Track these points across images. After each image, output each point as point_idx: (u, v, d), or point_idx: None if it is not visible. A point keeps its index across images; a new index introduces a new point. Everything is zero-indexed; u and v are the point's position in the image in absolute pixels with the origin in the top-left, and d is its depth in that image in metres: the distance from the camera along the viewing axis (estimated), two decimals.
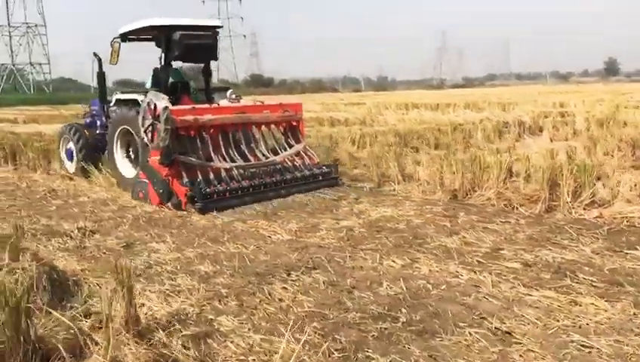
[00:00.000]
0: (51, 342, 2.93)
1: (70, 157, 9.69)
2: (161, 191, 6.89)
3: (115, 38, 8.76)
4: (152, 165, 7.04)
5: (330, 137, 10.51)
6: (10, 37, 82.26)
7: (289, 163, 7.75)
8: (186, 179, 6.81)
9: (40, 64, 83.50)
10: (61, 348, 2.87)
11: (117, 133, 8.33)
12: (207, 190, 6.69)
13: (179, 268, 4.48)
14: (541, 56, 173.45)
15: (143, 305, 3.68)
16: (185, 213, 6.47)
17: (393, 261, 4.43)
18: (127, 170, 8.30)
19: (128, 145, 8.35)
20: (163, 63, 8.44)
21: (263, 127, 8.07)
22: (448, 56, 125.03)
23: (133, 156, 8.30)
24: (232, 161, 7.30)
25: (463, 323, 3.27)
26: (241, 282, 4.11)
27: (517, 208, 5.99)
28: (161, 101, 6.87)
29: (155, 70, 8.67)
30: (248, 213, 6.40)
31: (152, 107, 6.89)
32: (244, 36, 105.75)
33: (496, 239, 4.91)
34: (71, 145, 9.57)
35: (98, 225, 6.02)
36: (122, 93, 8.73)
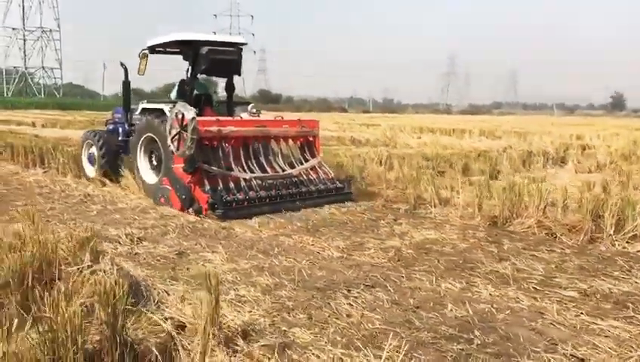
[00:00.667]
0: (144, 344, 2.99)
1: (92, 163, 9.98)
2: (183, 197, 7.21)
3: (143, 50, 9.05)
4: (175, 172, 7.39)
5: (358, 156, 10.61)
6: (25, 41, 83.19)
7: (304, 176, 8.08)
8: (207, 187, 7.11)
9: (52, 69, 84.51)
10: (155, 351, 2.94)
11: (141, 141, 8.62)
12: (228, 198, 6.98)
13: (238, 278, 4.53)
14: (547, 87, 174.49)
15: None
16: (228, 224, 6.54)
17: (450, 283, 4.49)
18: (149, 176, 8.60)
19: (152, 152, 8.64)
20: (189, 76, 8.81)
21: (281, 140, 8.37)
22: (455, 81, 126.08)
23: (155, 163, 8.57)
24: (251, 171, 7.66)
25: (536, 348, 3.32)
26: (304, 296, 4.17)
27: (558, 237, 6.06)
28: (189, 112, 7.15)
29: (181, 82, 9.04)
30: (291, 228, 6.48)
31: (180, 117, 7.15)
32: (255, 52, 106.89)
33: (546, 267, 4.97)
34: (93, 150, 9.87)
35: (144, 232, 6.08)
36: (149, 102, 9.04)
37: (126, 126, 9.71)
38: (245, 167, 7.66)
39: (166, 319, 3.54)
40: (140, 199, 8.01)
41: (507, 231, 6.34)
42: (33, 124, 23.66)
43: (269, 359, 3.13)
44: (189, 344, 3.10)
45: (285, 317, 3.77)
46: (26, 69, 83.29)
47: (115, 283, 2.86)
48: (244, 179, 7.43)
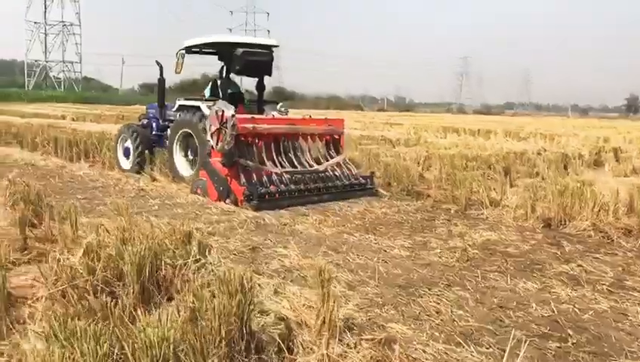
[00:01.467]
0: (266, 334, 3.14)
1: (127, 156, 10.50)
2: (221, 188, 7.70)
3: (180, 50, 9.62)
4: (213, 165, 7.85)
5: (398, 156, 10.72)
6: (46, 35, 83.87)
7: (330, 172, 8.54)
8: (243, 180, 7.62)
9: (72, 62, 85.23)
10: (278, 340, 3.08)
11: (178, 135, 9.20)
12: (262, 190, 7.51)
13: None
14: (560, 88, 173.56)
15: (311, 307, 3.87)
16: (288, 221, 6.67)
17: (525, 284, 4.60)
18: (185, 168, 9.20)
19: (187, 146, 9.22)
20: (224, 76, 9.53)
21: (309, 138, 8.85)
22: (468, 81, 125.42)
23: (191, 157, 9.15)
24: (282, 166, 8.17)
25: (631, 348, 3.43)
26: (389, 293, 4.29)
27: (615, 240, 6.14)
28: (229, 110, 7.62)
29: (214, 81, 9.73)
30: (350, 225, 6.61)
31: (220, 114, 7.61)
32: None
33: (614, 269, 5.06)
34: (128, 144, 10.43)
35: (212, 227, 6.22)
36: (186, 99, 9.50)
37: (160, 121, 10.29)
38: (276, 162, 8.16)
39: (266, 312, 3.68)
40: (196, 195, 8.14)
41: (563, 234, 6.43)
42: (63, 117, 23.96)
43: (385, 352, 3.25)
44: (306, 334, 3.23)
45: (378, 312, 3.89)
46: (46, 62, 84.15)
47: (244, 276, 2.99)
48: (276, 173, 7.91)
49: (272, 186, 7.72)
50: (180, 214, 6.88)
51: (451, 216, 7.32)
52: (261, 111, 9.47)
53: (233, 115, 7.56)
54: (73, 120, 22.85)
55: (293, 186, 7.85)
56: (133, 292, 3.41)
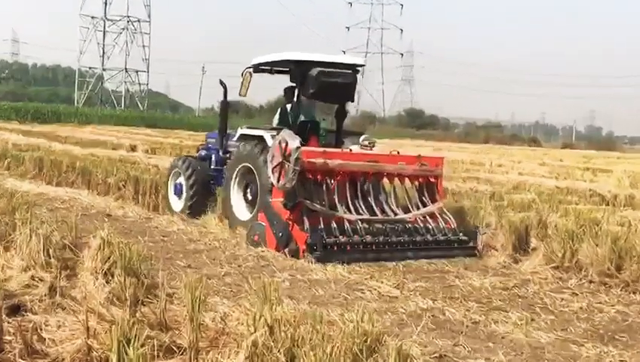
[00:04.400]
0: None
1: (178, 194, 11.54)
2: (280, 234, 8.71)
3: (246, 68, 10.91)
4: (273, 206, 8.93)
5: (628, 224, 10.43)
6: (105, 33, 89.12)
7: (421, 223, 9.47)
8: (307, 226, 8.58)
9: (136, 72, 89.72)
10: None
11: (237, 171, 10.24)
12: (328, 240, 8.46)
13: None
14: None
15: None
16: (477, 316, 6.64)
17: None
18: (242, 211, 10.23)
19: (247, 185, 10.23)
20: (295, 100, 10.60)
21: (396, 179, 9.86)
22: None
23: (250, 197, 10.12)
24: (358, 212, 9.11)
25: None
26: None
27: None
28: (294, 141, 8.64)
29: (284, 107, 10.85)
30: (574, 330, 6.47)
31: (283, 145, 8.68)
32: (402, 55, 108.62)
33: None
34: (181, 179, 11.46)
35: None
36: (248, 128, 10.60)
37: (220, 153, 11.35)
38: (351, 207, 9.12)
39: None
40: (337, 268, 8.26)
41: None
42: (133, 148, 25.48)
43: None
44: None
45: None
46: (103, 70, 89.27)
47: None
48: (349, 221, 8.88)
49: (343, 236, 8.69)
50: (323, 297, 7.07)
51: None
52: (339, 144, 10.49)
53: (298, 148, 8.56)
54: (148, 152, 24.05)
55: (369, 238, 8.87)
56: None
